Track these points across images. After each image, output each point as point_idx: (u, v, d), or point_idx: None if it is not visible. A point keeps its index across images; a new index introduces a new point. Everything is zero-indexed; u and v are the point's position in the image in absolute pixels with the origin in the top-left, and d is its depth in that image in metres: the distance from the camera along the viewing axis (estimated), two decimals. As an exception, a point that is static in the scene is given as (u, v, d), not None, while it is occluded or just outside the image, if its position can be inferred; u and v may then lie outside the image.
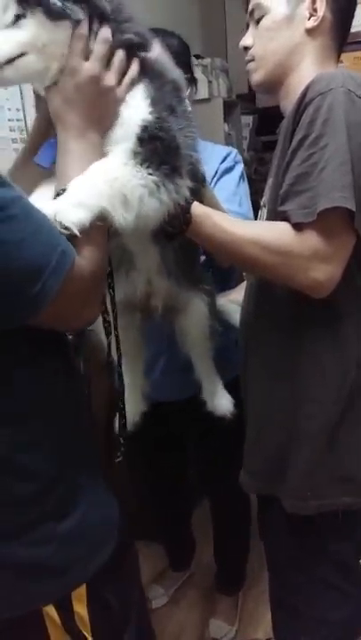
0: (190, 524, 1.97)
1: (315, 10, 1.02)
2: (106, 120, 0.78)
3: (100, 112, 0.78)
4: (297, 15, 1.03)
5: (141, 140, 0.76)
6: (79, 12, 0.74)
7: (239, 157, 1.51)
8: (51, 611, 0.79)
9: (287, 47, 1.04)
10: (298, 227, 0.88)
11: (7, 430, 0.74)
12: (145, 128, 0.77)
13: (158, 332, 1.25)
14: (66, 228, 0.69)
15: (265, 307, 1.09)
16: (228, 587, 1.89)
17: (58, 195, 0.73)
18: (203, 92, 2.94)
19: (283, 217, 0.90)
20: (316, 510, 1.04)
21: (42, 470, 0.77)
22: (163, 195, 0.77)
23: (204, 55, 3.20)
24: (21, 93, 1.80)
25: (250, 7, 1.08)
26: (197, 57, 3.01)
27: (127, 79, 0.79)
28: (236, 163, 1.48)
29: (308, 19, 1.02)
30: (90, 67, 0.76)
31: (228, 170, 1.45)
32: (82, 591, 0.81)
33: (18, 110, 1.79)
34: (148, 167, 0.76)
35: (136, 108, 0.78)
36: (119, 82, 0.79)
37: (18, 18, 0.74)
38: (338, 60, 1.09)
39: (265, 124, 3.61)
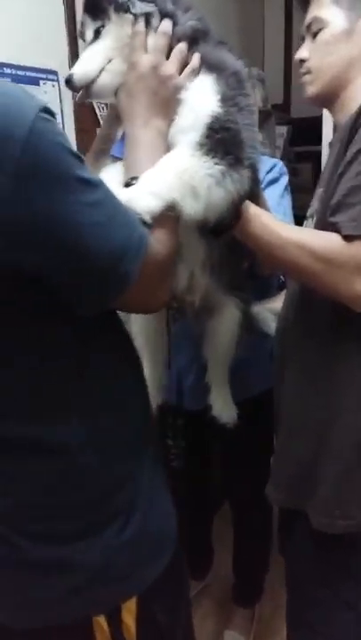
0: (210, 533, 1.96)
1: None
2: (168, 108, 0.82)
3: (161, 100, 0.81)
4: (356, 29, 1.02)
5: (209, 132, 0.79)
6: (142, 9, 0.80)
7: (285, 169, 1.52)
8: (100, 619, 0.79)
9: (345, 61, 1.04)
10: (347, 238, 0.87)
11: (81, 428, 0.75)
12: (214, 120, 0.79)
13: (192, 340, 1.25)
14: (137, 215, 0.72)
15: (304, 314, 1.08)
16: (245, 599, 1.88)
17: (127, 184, 0.76)
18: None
19: (333, 228, 0.90)
20: (344, 530, 1.02)
21: (108, 472, 0.77)
22: (228, 184, 0.79)
23: (241, 64, 3.21)
24: (60, 98, 1.84)
25: (307, 20, 1.08)
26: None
27: (188, 69, 0.83)
28: (281, 175, 1.49)
29: None
30: (148, 57, 0.81)
31: (274, 181, 1.46)
32: (131, 605, 0.80)
33: (57, 114, 1.83)
34: (213, 157, 0.78)
35: (205, 101, 0.81)
36: (180, 72, 0.82)
37: (97, 32, 0.82)
38: None
39: (299, 134, 3.59)
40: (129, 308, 0.80)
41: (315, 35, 1.06)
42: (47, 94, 1.77)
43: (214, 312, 1.18)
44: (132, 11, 0.81)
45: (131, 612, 0.80)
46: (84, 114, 1.96)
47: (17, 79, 1.67)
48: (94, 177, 0.66)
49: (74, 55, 1.92)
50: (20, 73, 1.68)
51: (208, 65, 0.84)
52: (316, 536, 1.06)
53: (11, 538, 0.75)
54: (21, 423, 0.72)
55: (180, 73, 0.83)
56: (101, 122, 1.99)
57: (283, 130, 3.70)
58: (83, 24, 0.85)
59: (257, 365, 1.38)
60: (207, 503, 1.93)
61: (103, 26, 0.83)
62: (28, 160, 0.58)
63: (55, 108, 1.82)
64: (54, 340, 0.72)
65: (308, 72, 1.09)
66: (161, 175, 0.76)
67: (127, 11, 0.81)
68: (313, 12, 1.06)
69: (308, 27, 1.08)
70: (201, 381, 1.39)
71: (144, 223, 0.72)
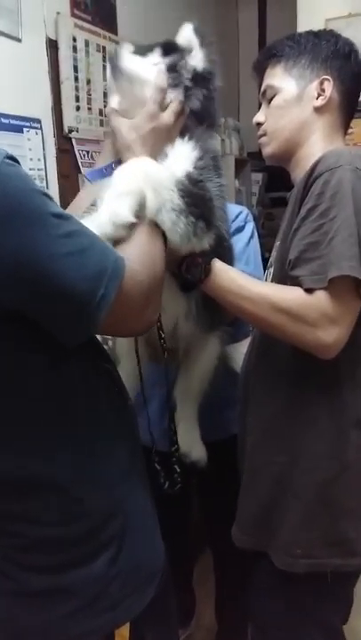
0: (191, 582, 1.91)
1: (322, 90, 1.09)
2: (158, 148, 0.93)
3: (158, 143, 0.93)
4: (306, 95, 1.10)
5: (183, 185, 0.88)
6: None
7: (250, 217, 1.55)
8: None
9: (297, 124, 1.11)
10: (309, 291, 0.92)
11: (67, 464, 0.77)
12: (188, 175, 0.89)
13: (163, 386, 1.25)
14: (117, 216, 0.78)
15: (266, 360, 1.12)
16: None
17: (92, 204, 0.83)
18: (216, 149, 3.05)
19: (293, 282, 0.95)
20: (306, 569, 1.03)
21: (97, 505, 0.80)
22: (181, 224, 0.86)
23: (217, 115, 3.34)
24: (43, 145, 1.89)
25: (262, 88, 1.17)
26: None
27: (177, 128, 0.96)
28: (246, 222, 1.52)
29: (317, 98, 1.10)
30: (167, 118, 0.93)
31: (239, 230, 1.49)
32: (124, 631, 0.82)
33: (39, 160, 1.87)
34: (188, 207, 0.87)
35: (184, 162, 0.92)
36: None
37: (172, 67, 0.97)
38: (345, 133, 1.16)
39: (274, 181, 3.73)
40: (116, 331, 0.83)
41: (269, 100, 1.15)
42: (30, 141, 1.82)
43: (193, 350, 1.20)
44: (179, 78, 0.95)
45: (123, 638, 0.81)
46: (66, 160, 2.02)
47: (1, 127, 1.71)
48: (64, 212, 0.70)
49: (57, 103, 1.99)
50: (3, 121, 1.72)
51: (197, 141, 0.96)
52: (278, 578, 1.08)
53: (6, 568, 0.77)
54: (11, 459, 0.74)
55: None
56: (82, 168, 2.05)
57: (258, 177, 3.84)
58: (105, 60, 0.95)
59: (231, 407, 1.38)
60: (186, 556, 1.89)
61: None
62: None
63: (38, 155, 1.87)
64: (34, 377, 0.74)
65: (265, 134, 1.17)
66: (128, 173, 0.84)
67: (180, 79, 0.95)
68: (267, 80, 1.16)
69: (264, 93, 1.17)
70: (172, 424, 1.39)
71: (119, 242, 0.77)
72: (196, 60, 0.98)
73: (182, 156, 0.93)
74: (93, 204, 0.90)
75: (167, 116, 0.93)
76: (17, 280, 0.65)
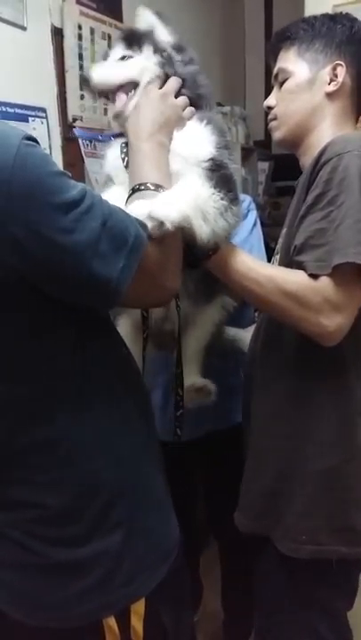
0: (198, 569, 1.92)
1: (335, 75, 1.08)
2: (170, 126, 0.94)
3: (166, 119, 0.93)
4: (318, 79, 1.09)
5: (211, 168, 0.91)
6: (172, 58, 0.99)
7: (253, 205, 1.55)
8: (110, 621, 0.82)
9: (308, 108, 1.10)
10: (313, 276, 0.92)
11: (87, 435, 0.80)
12: (212, 159, 0.93)
13: (166, 375, 1.25)
14: (161, 223, 0.78)
15: (271, 347, 1.12)
16: (237, 634, 1.83)
17: (134, 190, 0.83)
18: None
19: (298, 267, 0.94)
20: (311, 555, 1.04)
21: (114, 478, 0.82)
22: (228, 217, 0.91)
23: (224, 103, 3.32)
24: (49, 134, 1.89)
25: (275, 71, 1.16)
26: (218, 104, 3.12)
27: (187, 111, 0.98)
28: (249, 210, 1.51)
29: (329, 83, 1.09)
30: (162, 90, 0.95)
31: (242, 217, 1.49)
32: (139, 608, 0.83)
33: (45, 149, 1.86)
34: (219, 191, 0.90)
35: (204, 143, 0.95)
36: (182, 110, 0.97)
37: (122, 57, 0.99)
38: (357, 120, 1.14)
39: (280, 170, 3.70)
40: (141, 302, 0.85)
41: (281, 84, 1.14)
42: (36, 131, 1.82)
43: (191, 323, 1.20)
44: (164, 56, 0.97)
45: (138, 614, 0.83)
46: (72, 149, 2.01)
47: (6, 116, 1.71)
48: (82, 186, 0.71)
49: (62, 92, 1.98)
50: (9, 110, 1.72)
51: (208, 121, 0.98)
52: (283, 563, 1.08)
53: (25, 541, 0.78)
54: (30, 427, 0.77)
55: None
56: (85, 158, 2.04)
57: (265, 166, 3.81)
58: (110, 47, 0.99)
59: (234, 396, 1.38)
60: (193, 535, 1.90)
61: (131, 56, 0.97)
62: (19, 181, 0.63)
63: (43, 145, 1.86)
64: (55, 348, 0.76)
65: (275, 118, 1.16)
66: (180, 195, 0.84)
67: (161, 54, 0.97)
68: (280, 63, 1.15)
69: (276, 76, 1.16)
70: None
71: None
72: (163, 35, 1.00)
73: (204, 140, 0.95)
74: (108, 180, 0.95)
75: (163, 89, 0.95)
76: (36, 257, 0.66)
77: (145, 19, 1.00)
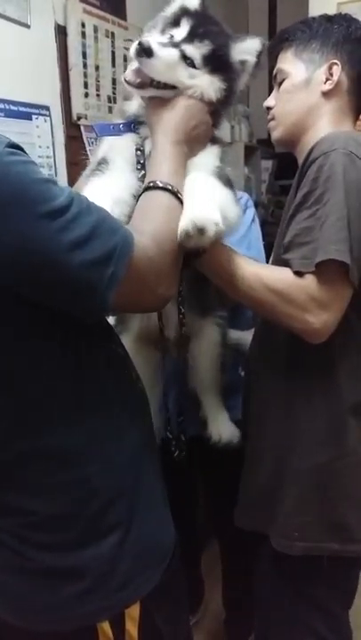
0: (199, 568, 1.93)
1: (331, 74, 1.09)
2: (197, 144, 0.95)
3: (196, 136, 0.94)
4: (314, 79, 1.10)
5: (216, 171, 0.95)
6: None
7: (251, 202, 1.55)
8: (104, 625, 0.81)
9: (304, 108, 1.11)
10: (298, 274, 0.93)
11: (81, 440, 0.79)
12: (217, 167, 0.96)
13: (176, 379, 1.25)
14: (201, 230, 0.80)
15: (266, 347, 1.14)
16: (238, 633, 1.83)
17: (148, 187, 0.84)
18: (225, 136, 3.04)
19: (286, 264, 0.95)
20: (303, 552, 1.05)
21: (108, 483, 0.81)
22: (235, 208, 0.94)
23: (227, 102, 3.31)
24: (52, 132, 1.89)
25: (274, 72, 1.17)
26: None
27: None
28: (247, 208, 1.51)
29: (325, 82, 1.09)
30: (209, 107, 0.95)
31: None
32: (134, 612, 0.83)
33: (48, 148, 1.87)
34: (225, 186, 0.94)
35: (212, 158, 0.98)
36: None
37: (184, 57, 0.94)
38: (356, 118, 1.15)
39: (283, 168, 3.69)
40: (131, 307, 0.85)
41: (280, 84, 1.15)
42: (39, 128, 1.82)
43: (193, 339, 1.20)
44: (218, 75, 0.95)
45: (133, 619, 0.82)
46: (75, 147, 2.01)
47: (10, 114, 1.71)
48: (69, 192, 0.70)
49: (65, 90, 1.98)
50: (12, 108, 1.72)
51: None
52: (277, 560, 1.09)
53: (16, 546, 0.78)
54: (25, 437, 0.76)
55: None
56: (90, 156, 2.04)
57: (268, 164, 3.80)
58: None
59: (234, 394, 1.36)
60: (194, 535, 1.90)
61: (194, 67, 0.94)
62: (2, 191, 0.63)
63: (47, 142, 1.87)
64: (52, 358, 0.75)
65: (273, 118, 1.17)
66: (207, 197, 0.87)
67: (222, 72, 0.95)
68: (278, 64, 1.16)
69: (275, 77, 1.17)
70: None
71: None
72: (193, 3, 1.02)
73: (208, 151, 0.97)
74: (102, 162, 0.95)
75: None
76: (20, 267, 0.66)
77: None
